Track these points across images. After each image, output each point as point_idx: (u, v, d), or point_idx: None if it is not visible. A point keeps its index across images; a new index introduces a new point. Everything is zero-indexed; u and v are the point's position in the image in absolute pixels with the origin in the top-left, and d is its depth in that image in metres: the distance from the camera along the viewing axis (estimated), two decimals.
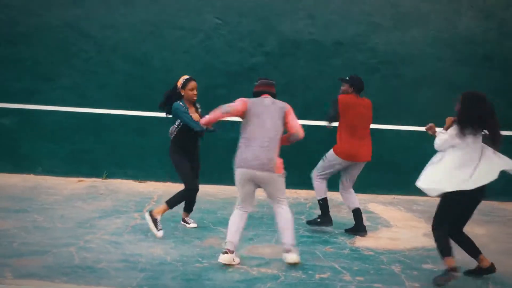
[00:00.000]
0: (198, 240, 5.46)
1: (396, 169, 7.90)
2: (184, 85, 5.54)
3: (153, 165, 8.03)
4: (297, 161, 7.91)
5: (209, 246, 5.28)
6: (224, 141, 7.25)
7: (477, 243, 5.58)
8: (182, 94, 5.55)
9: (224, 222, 6.00)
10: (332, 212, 6.75)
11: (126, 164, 8.02)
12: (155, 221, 5.41)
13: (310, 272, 4.71)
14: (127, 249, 5.07)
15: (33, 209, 6.23)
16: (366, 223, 6.40)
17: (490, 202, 7.48)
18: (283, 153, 7.52)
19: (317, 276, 4.63)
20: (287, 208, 4.95)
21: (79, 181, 7.70)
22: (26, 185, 7.39)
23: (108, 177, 7.93)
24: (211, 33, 7.97)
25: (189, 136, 5.60)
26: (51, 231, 5.48)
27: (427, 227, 6.27)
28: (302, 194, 7.68)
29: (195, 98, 5.60)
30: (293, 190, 7.72)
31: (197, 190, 5.72)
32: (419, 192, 7.61)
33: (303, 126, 7.81)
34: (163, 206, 5.55)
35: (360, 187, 7.82)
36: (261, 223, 6.16)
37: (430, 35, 7.87)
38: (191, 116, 5.48)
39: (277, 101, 5.07)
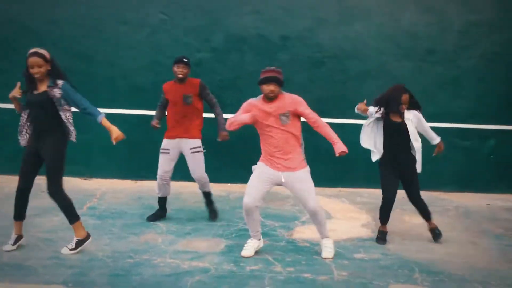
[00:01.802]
0: (134, 236, 5.43)
1: (341, 162, 7.94)
2: (26, 60, 4.68)
3: (98, 162, 7.96)
4: (244, 155, 7.95)
5: (144, 242, 5.25)
6: None
7: (413, 232, 5.75)
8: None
9: (164, 218, 6.00)
10: (276, 205, 6.83)
11: (71, 161, 7.85)
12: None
13: (242, 264, 4.74)
14: (59, 246, 4.99)
15: None
16: (307, 215, 6.48)
17: (433, 193, 7.66)
18: (228, 148, 7.63)
19: (247, 268, 4.65)
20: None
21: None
22: None
23: None
24: (156, 28, 7.92)
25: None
26: None
27: (366, 218, 6.41)
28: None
29: (37, 76, 4.67)
30: (241, 185, 7.72)
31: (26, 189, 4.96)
32: (364, 184, 7.84)
33: None
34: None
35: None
36: (202, 217, 6.14)
37: (374, 29, 7.98)
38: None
39: None
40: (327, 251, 5.00)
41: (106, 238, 5.32)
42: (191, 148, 5.86)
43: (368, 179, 7.67)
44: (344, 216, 6.46)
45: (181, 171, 6.28)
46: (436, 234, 5.57)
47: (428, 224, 5.63)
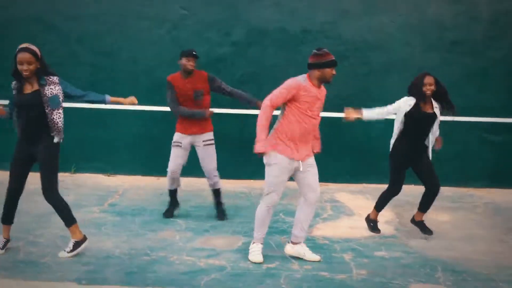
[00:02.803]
0: (152, 233, 5.40)
1: (366, 157, 7.82)
2: (15, 56, 4.43)
3: (122, 159, 7.97)
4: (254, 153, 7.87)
5: (162, 239, 5.22)
6: None
7: (439, 230, 5.57)
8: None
9: (184, 215, 5.96)
10: (297, 202, 6.71)
11: (94, 158, 7.95)
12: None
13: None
14: None
15: None
16: (329, 212, 6.37)
17: (461, 189, 7.44)
18: (250, 144, 7.53)
19: (264, 266, 4.57)
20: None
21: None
22: None
23: (76, 171, 7.87)
24: (177, 23, 7.87)
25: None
26: None
27: (389, 215, 6.25)
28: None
29: (26, 74, 4.41)
30: (261, 181, 7.60)
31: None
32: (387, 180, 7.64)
33: (274, 116, 7.89)
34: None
35: (331, 176, 7.78)
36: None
37: (398, 20, 7.75)
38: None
39: None
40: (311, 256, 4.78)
41: (124, 235, 5.30)
42: (204, 141, 5.79)
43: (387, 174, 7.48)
44: (367, 213, 6.30)
45: None
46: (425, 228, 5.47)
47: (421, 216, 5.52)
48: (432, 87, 5.18)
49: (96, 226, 5.51)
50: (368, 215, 5.69)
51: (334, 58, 4.53)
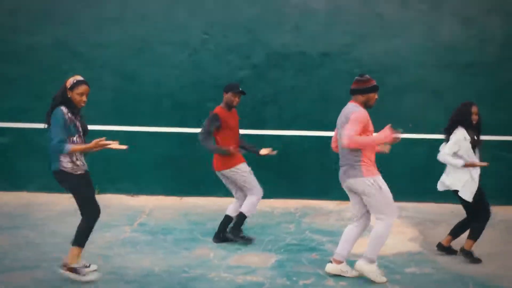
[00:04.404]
0: (186, 251, 5.56)
1: (384, 176, 7.98)
2: (73, 86, 4.61)
3: (145, 180, 8.15)
4: (286, 170, 8.07)
5: (197, 257, 5.38)
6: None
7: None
8: (69, 97, 4.63)
9: (213, 233, 6.12)
10: (321, 220, 6.90)
11: (118, 179, 8.13)
12: (73, 269, 4.61)
13: (294, 278, 4.82)
14: (116, 262, 5.17)
15: (25, 226, 6.34)
16: None
17: None
18: (270, 164, 7.73)
19: (301, 282, 4.73)
20: (379, 224, 4.78)
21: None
22: (19, 202, 7.49)
23: (100, 192, 8.02)
24: (199, 48, 8.11)
25: None
26: (42, 247, 5.58)
27: (413, 232, 6.41)
28: (291, 203, 7.77)
29: (83, 105, 4.69)
30: (283, 200, 7.84)
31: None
32: (408, 198, 7.83)
33: (292, 136, 8.12)
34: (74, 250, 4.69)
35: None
36: (250, 233, 6.23)
37: (413, 43, 8.01)
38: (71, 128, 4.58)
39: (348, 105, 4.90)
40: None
41: (160, 253, 5.46)
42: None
43: (412, 193, 7.67)
44: (392, 231, 6.43)
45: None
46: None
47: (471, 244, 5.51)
48: (477, 117, 5.44)
49: (131, 245, 5.67)
50: (462, 248, 5.56)
51: (376, 83, 4.79)
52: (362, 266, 4.77)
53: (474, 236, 5.45)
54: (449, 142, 5.42)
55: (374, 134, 5.26)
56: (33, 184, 8.09)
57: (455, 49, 7.97)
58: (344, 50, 8.06)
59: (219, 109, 5.91)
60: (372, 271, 4.75)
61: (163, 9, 8.11)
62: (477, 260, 5.39)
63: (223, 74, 8.08)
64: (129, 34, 8.11)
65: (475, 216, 5.47)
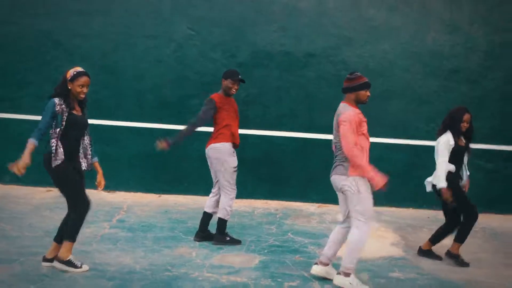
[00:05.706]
0: (168, 249, 5.44)
1: None
2: (74, 78, 4.56)
3: (123, 175, 7.98)
4: (268, 171, 7.99)
5: (179, 255, 5.26)
6: (198, 151, 7.18)
7: (444, 251, 5.72)
8: (69, 88, 4.57)
9: (194, 232, 6.00)
10: (302, 222, 6.84)
11: (96, 174, 7.92)
12: (68, 262, 4.62)
13: (279, 280, 4.74)
14: (96, 258, 5.03)
15: (1, 218, 6.14)
16: None
17: None
18: (252, 163, 7.65)
19: (286, 284, 4.66)
20: (353, 230, 4.56)
21: (48, 190, 7.56)
22: None
23: None
24: (184, 43, 7.99)
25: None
26: (19, 240, 5.40)
27: (394, 237, 6.40)
28: (272, 204, 7.71)
29: (82, 96, 4.62)
30: (264, 201, 7.78)
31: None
32: (385, 203, 7.82)
33: (275, 137, 8.04)
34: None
35: (333, 199, 7.92)
36: (231, 232, 6.12)
37: (399, 48, 8.03)
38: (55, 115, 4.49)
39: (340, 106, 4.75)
40: None
41: (140, 250, 5.33)
42: None
43: (389, 198, 7.66)
44: (373, 235, 6.44)
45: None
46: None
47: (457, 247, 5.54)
48: (467, 125, 5.43)
49: (111, 242, 5.52)
50: (449, 251, 5.56)
51: (367, 80, 4.70)
52: (340, 281, 4.59)
53: (460, 239, 5.47)
54: (439, 150, 5.41)
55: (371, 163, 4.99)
56: (8, 176, 7.84)
57: (440, 56, 8.00)
58: (330, 52, 8.03)
59: (216, 94, 5.77)
60: (350, 284, 4.55)
61: (148, 2, 7.96)
62: (465, 264, 5.40)
63: (207, 71, 7.98)
64: (113, 26, 7.95)
65: (464, 217, 5.46)
